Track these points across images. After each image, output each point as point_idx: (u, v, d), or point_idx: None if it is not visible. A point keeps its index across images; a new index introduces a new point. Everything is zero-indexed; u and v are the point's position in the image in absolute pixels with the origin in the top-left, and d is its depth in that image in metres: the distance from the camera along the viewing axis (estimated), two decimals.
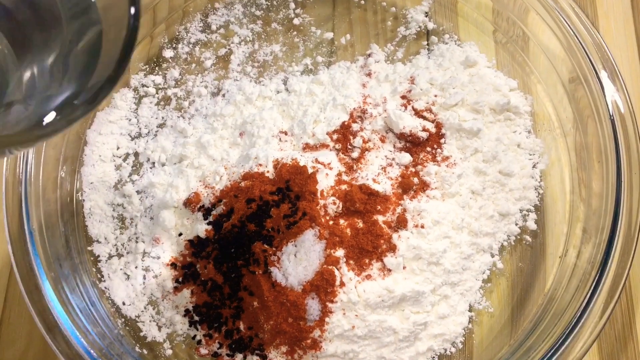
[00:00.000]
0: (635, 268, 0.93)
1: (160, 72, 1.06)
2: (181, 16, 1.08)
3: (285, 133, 0.97)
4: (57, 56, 0.58)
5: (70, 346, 0.82)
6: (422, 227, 0.88)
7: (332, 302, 0.84)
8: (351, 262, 0.86)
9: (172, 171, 0.98)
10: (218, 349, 0.89)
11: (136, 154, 1.01)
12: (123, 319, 0.92)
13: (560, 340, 0.82)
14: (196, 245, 0.92)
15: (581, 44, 0.93)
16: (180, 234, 0.94)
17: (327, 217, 0.88)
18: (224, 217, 0.91)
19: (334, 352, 0.86)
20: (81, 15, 0.58)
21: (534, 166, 0.97)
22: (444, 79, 0.98)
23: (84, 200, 0.97)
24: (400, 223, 0.88)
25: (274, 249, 0.87)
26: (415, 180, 0.92)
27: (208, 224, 0.92)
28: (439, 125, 0.95)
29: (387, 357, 0.86)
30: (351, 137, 0.95)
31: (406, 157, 0.93)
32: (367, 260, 0.86)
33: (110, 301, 0.93)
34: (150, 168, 1.00)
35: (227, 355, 0.89)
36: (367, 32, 1.07)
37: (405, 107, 0.97)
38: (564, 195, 0.97)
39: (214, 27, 1.07)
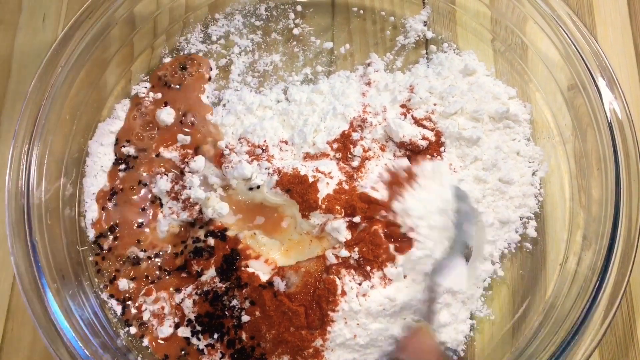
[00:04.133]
0: (635, 274, 0.93)
1: None
2: (181, 27, 1.09)
3: (286, 142, 0.98)
4: None
5: (73, 357, 0.82)
6: None
7: (333, 311, 0.85)
8: (352, 271, 0.87)
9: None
10: (220, 358, 0.90)
11: None
12: (125, 329, 0.92)
13: (562, 348, 0.82)
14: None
15: (579, 52, 0.93)
16: None
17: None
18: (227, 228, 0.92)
19: None
20: None
21: (533, 174, 0.98)
22: (443, 88, 0.98)
23: (85, 210, 0.97)
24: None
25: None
26: None
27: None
28: (438, 134, 0.96)
29: None
30: (351, 146, 0.95)
31: (404, 161, 0.93)
32: (368, 269, 0.87)
33: (112, 311, 0.93)
34: None
35: None
36: (366, 41, 1.08)
37: (405, 116, 0.97)
38: (564, 203, 0.97)
39: (214, 38, 1.08)
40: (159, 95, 1.03)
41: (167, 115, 1.00)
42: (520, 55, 1.04)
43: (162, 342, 0.91)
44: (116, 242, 0.95)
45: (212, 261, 0.91)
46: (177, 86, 1.03)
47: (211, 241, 0.92)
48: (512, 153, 0.97)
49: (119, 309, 0.93)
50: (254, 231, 0.93)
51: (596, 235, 0.88)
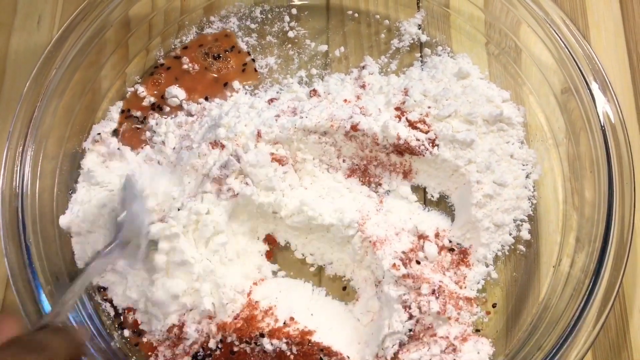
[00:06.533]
0: (628, 276, 0.93)
1: None
2: (177, 30, 1.09)
3: None
4: None
5: None
6: None
7: None
8: None
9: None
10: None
11: None
12: (120, 332, 0.92)
13: (555, 349, 0.82)
14: None
15: (572, 56, 0.94)
16: None
17: None
18: None
19: None
20: None
21: (527, 176, 0.98)
22: (438, 91, 0.99)
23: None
24: None
25: None
26: None
27: None
28: (432, 136, 0.96)
29: None
30: None
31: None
32: None
33: (106, 314, 0.93)
34: None
35: None
36: (361, 44, 1.08)
37: (399, 119, 0.97)
38: (557, 205, 0.98)
39: None
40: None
41: (177, 93, 1.03)
42: (514, 58, 1.04)
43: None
44: None
45: None
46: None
47: None
48: (505, 156, 0.97)
49: (112, 311, 0.93)
50: None
51: (589, 238, 0.89)
